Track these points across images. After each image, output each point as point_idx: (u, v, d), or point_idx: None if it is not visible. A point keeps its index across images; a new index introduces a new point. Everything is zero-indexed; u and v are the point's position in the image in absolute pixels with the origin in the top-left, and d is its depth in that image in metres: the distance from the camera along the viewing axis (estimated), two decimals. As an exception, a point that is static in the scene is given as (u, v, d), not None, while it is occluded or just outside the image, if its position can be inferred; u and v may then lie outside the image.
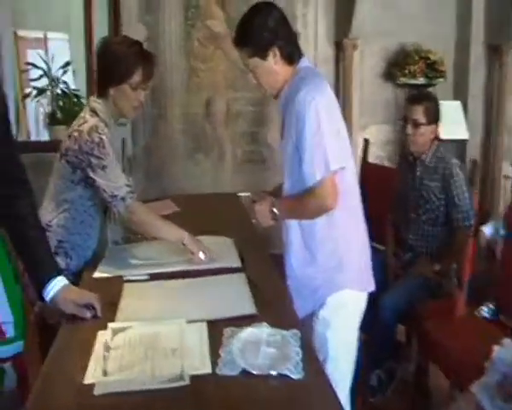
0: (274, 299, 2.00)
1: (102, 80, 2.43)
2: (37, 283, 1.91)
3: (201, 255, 2.34)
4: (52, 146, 2.62)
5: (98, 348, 1.67)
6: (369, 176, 3.71)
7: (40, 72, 5.53)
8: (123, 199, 2.29)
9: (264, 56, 2.14)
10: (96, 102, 2.43)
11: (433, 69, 4.87)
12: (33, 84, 5.67)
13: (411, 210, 3.21)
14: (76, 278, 2.38)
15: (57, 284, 1.89)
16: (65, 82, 5.68)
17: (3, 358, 1.73)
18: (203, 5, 4.73)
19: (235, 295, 2.01)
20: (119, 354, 1.64)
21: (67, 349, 1.73)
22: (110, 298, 2.03)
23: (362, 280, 2.26)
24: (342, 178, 2.12)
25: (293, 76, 2.18)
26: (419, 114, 3.06)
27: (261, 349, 1.59)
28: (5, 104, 1.86)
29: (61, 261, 2.38)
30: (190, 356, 1.60)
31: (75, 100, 5.74)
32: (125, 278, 2.21)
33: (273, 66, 2.15)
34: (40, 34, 6.31)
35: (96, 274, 2.29)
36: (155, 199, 3.55)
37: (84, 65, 5.04)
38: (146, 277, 2.23)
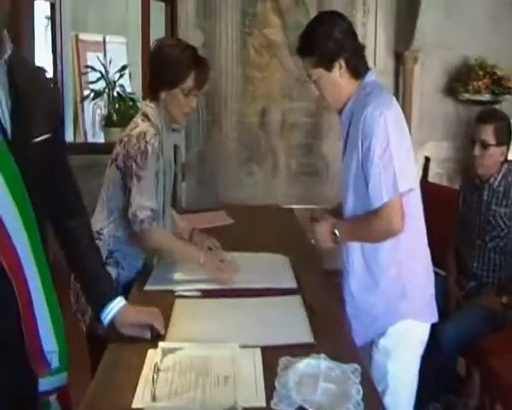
0: (332, 326, 1.89)
1: (154, 84, 2.35)
2: (95, 305, 1.84)
3: (221, 275, 2.25)
4: (107, 148, 2.60)
5: (147, 368, 1.60)
6: (430, 196, 3.53)
7: (98, 74, 5.58)
8: (141, 222, 2.21)
9: (329, 68, 2.04)
10: (149, 107, 2.35)
11: (499, 85, 4.68)
12: (91, 86, 5.73)
13: (476, 236, 3.02)
14: (126, 289, 2.33)
15: (116, 306, 1.79)
16: (121, 85, 5.72)
17: (49, 390, 1.64)
18: (260, 13, 4.68)
19: (291, 321, 1.90)
20: (169, 377, 1.57)
21: (115, 368, 1.65)
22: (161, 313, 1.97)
23: (426, 310, 2.14)
24: (408, 199, 2.01)
25: (358, 90, 2.07)
26: (488, 134, 2.87)
27: (319, 385, 1.49)
28: (62, 127, 1.80)
29: (111, 271, 2.29)
30: (243, 386, 1.51)
31: (130, 103, 5.77)
32: (176, 294, 2.14)
33: (338, 78, 2.05)
34: (100, 38, 6.38)
35: (147, 287, 2.23)
36: (208, 209, 3.49)
37: (140, 68, 5.04)
38: (197, 293, 2.15)
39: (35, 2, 5.02)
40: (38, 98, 1.54)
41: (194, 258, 2.28)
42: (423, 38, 4.63)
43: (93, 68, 5.55)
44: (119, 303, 1.80)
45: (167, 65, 2.28)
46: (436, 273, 3.32)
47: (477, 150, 2.90)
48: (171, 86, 2.29)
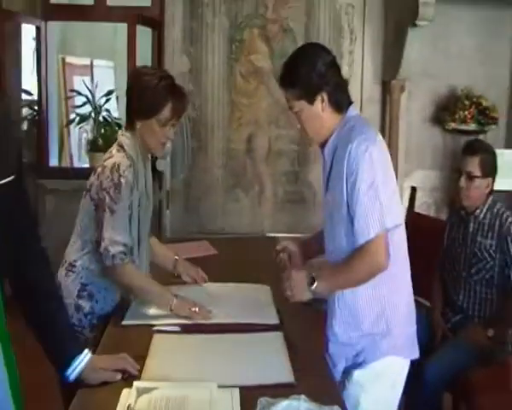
0: (313, 365, 1.83)
1: (130, 113, 2.29)
2: (56, 363, 1.68)
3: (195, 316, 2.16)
4: (91, 173, 2.52)
5: (120, 410, 1.53)
6: (416, 227, 3.52)
7: (84, 99, 5.55)
8: (113, 257, 2.14)
9: (311, 101, 1.99)
10: (124, 136, 2.29)
11: (485, 115, 4.68)
12: (77, 110, 5.70)
13: (462, 269, 2.97)
14: (102, 322, 2.28)
15: (82, 362, 1.67)
16: (107, 110, 5.69)
17: None
18: (247, 39, 4.66)
19: (271, 359, 1.84)
20: (143, 419, 1.50)
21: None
22: (138, 350, 1.89)
23: (407, 346, 2.09)
24: (393, 234, 1.96)
25: (341, 125, 2.02)
26: (474, 166, 2.84)
27: (299, 429, 1.43)
28: (19, 144, 1.66)
29: (84, 305, 2.28)
30: (220, 430, 1.45)
31: (116, 128, 5.73)
32: (154, 328, 2.08)
33: (320, 111, 2.00)
34: (87, 61, 6.35)
35: (125, 321, 2.15)
36: (191, 239, 3.43)
37: (127, 94, 5.00)
38: (177, 328, 2.08)
39: (22, 26, 5.01)
40: (3, 138, 1.45)
41: (165, 302, 2.19)
42: (410, 67, 4.63)
43: (78, 93, 5.52)
44: (85, 358, 1.68)
45: (143, 94, 2.22)
46: (421, 304, 3.30)
47: (463, 182, 2.87)
48: (147, 116, 2.23)
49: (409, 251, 3.46)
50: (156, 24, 4.68)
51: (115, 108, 6.20)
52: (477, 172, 2.84)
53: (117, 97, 5.91)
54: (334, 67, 2.03)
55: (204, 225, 4.85)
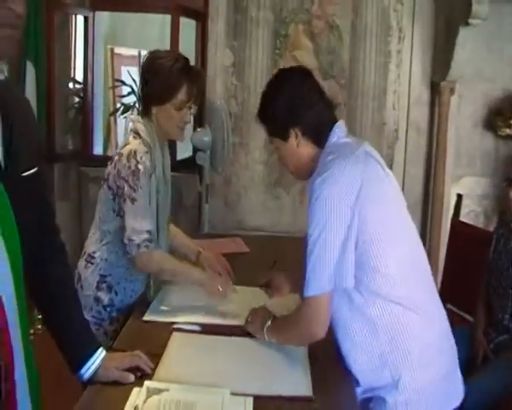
0: (335, 381, 1.71)
1: (145, 98, 2.25)
2: (70, 361, 1.61)
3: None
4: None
5: (127, 412, 1.47)
6: (460, 236, 3.37)
7: (129, 89, 5.55)
8: (138, 246, 2.10)
9: (284, 138, 1.83)
10: (140, 123, 2.24)
11: (541, 122, 4.46)
12: (122, 100, 5.71)
13: (510, 286, 2.77)
14: (122, 314, 2.26)
15: (96, 361, 1.61)
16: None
17: None
18: (292, 35, 4.54)
19: (291, 369, 1.74)
20: (150, 423, 1.44)
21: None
22: (155, 347, 1.84)
23: (432, 403, 1.72)
24: (388, 264, 1.69)
25: (322, 156, 1.78)
26: None
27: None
28: (40, 136, 1.57)
29: (104, 297, 2.26)
30: (227, 442, 1.37)
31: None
32: (174, 326, 2.01)
33: (295, 147, 1.83)
34: (135, 52, 6.38)
35: (146, 317, 2.11)
36: (226, 235, 3.37)
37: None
38: (197, 328, 2.01)
39: (74, 16, 5.05)
40: (28, 128, 1.41)
41: (199, 278, 2.17)
42: (461, 68, 4.44)
43: (123, 83, 5.53)
44: (99, 356, 1.63)
45: (157, 78, 2.17)
46: (463, 318, 3.14)
47: None
48: (163, 100, 2.18)
49: (451, 262, 3.31)
50: (200, 16, 4.62)
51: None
52: None
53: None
54: (310, 92, 1.82)
55: (243, 222, 4.77)
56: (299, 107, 1.80)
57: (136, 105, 5.56)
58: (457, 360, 1.85)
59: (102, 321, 2.27)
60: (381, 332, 1.69)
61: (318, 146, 1.82)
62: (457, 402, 1.79)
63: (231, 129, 4.26)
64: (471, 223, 4.29)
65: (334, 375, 1.73)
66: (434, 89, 4.59)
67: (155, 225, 2.22)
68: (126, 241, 2.11)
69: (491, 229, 4.28)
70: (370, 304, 1.69)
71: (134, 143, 2.18)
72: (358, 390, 1.75)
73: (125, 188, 2.11)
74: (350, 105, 4.55)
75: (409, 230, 1.83)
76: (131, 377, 1.63)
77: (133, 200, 2.11)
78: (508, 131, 4.56)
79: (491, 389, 2.54)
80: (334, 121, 1.84)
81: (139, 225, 2.10)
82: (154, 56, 2.24)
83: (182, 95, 2.17)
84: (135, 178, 2.11)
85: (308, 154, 1.83)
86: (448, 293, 2.54)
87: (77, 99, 5.36)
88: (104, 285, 2.26)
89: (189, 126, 4.74)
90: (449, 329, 1.83)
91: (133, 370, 1.66)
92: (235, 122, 4.50)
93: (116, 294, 2.28)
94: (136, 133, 2.22)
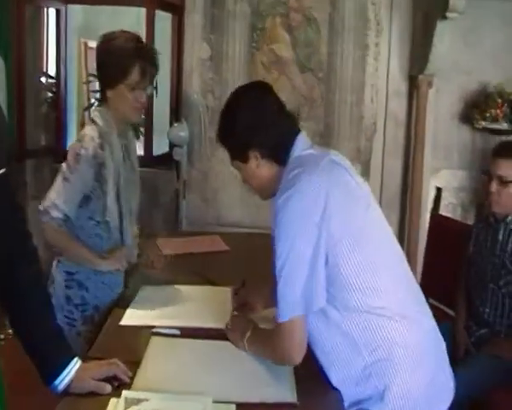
0: (320, 387, 1.65)
1: (101, 83, 2.24)
2: (43, 372, 1.53)
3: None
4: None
5: (104, 425, 1.41)
6: (440, 230, 3.36)
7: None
8: (52, 219, 2.11)
9: (243, 160, 1.75)
10: (96, 110, 2.24)
11: (518, 114, 4.46)
12: (97, 95, 5.60)
13: (489, 280, 2.75)
14: (97, 313, 2.24)
15: (71, 372, 1.53)
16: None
17: None
18: (269, 28, 4.49)
19: (274, 375, 1.68)
20: (129, 435, 1.38)
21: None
22: (133, 354, 1.78)
23: (419, 408, 1.65)
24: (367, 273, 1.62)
25: (286, 174, 1.69)
26: (507, 169, 2.61)
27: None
28: (7, 137, 1.49)
29: (74, 295, 2.23)
30: (210, 454, 1.32)
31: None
32: (153, 330, 1.95)
33: (255, 169, 1.75)
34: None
35: (123, 321, 2.03)
36: (205, 232, 3.32)
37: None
38: (176, 331, 1.95)
39: (49, 10, 4.93)
40: None
41: (89, 258, 2.18)
42: (439, 61, 4.42)
43: (95, 76, 5.42)
44: (74, 367, 1.55)
45: (110, 59, 2.14)
46: (444, 313, 3.12)
47: (494, 186, 2.64)
48: (116, 81, 2.14)
49: (431, 256, 3.28)
50: (176, 9, 4.55)
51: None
52: (510, 177, 2.62)
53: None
54: (269, 112, 1.74)
55: (221, 218, 4.72)
56: (257, 130, 1.72)
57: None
58: (446, 356, 1.79)
59: (74, 321, 2.23)
60: (362, 346, 1.62)
61: (280, 164, 1.74)
62: (446, 405, 1.73)
63: (208, 123, 4.20)
64: (449, 215, 4.29)
65: (319, 381, 1.67)
66: (412, 82, 4.58)
67: (117, 213, 2.23)
68: (41, 208, 2.12)
69: (469, 221, 4.31)
70: (347, 319, 1.62)
71: (87, 129, 2.19)
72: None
73: (64, 166, 2.13)
74: (328, 99, 4.52)
75: (383, 233, 1.76)
76: (108, 388, 1.55)
77: (66, 179, 2.12)
78: (484, 123, 4.56)
79: (473, 383, 2.51)
80: (297, 134, 1.76)
81: (61, 204, 2.11)
82: (106, 38, 2.20)
83: (135, 75, 2.14)
84: (75, 161, 2.11)
85: (270, 174, 1.76)
86: (428, 287, 2.50)
87: (49, 94, 5.25)
88: (73, 283, 2.24)
89: (166, 121, 4.71)
90: (434, 326, 1.78)
91: (110, 379, 1.58)
92: (213, 116, 4.44)
93: (87, 290, 2.24)
94: (92, 121, 2.20)
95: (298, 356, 1.61)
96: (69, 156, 2.14)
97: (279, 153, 1.73)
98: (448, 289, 3.05)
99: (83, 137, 2.15)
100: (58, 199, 2.11)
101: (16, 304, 1.51)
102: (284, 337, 1.60)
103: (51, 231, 2.13)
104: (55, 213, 2.10)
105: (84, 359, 1.65)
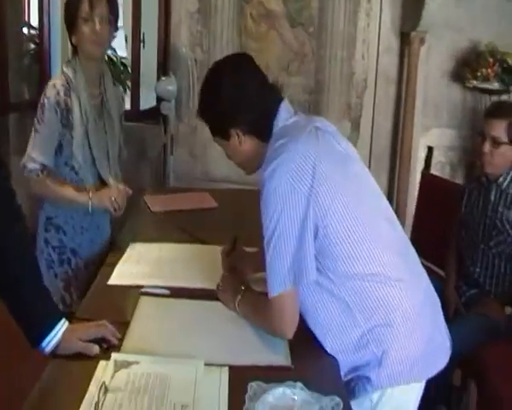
0: (315, 349, 1.62)
1: (67, 31, 2.32)
2: (30, 334, 1.50)
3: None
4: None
5: (94, 388, 1.37)
6: (431, 189, 3.33)
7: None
8: (29, 171, 2.24)
9: (225, 137, 1.70)
10: (66, 62, 2.34)
11: (509, 74, 4.39)
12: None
13: (480, 240, 2.75)
14: (74, 256, 2.38)
15: (58, 334, 1.49)
16: (113, 48, 5.44)
17: None
18: (259, -20, 4.36)
19: (268, 337, 1.63)
20: (119, 399, 1.34)
21: (55, 387, 1.43)
22: (122, 315, 1.74)
23: (417, 369, 1.64)
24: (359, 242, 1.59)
25: (270, 148, 1.65)
26: (500, 130, 2.59)
27: (292, 423, 1.27)
28: None
29: (51, 238, 2.35)
30: (203, 419, 1.29)
31: (121, 68, 5.52)
32: (142, 290, 1.91)
33: (238, 146, 1.70)
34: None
35: (111, 281, 1.98)
36: (193, 189, 3.26)
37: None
38: (166, 291, 1.91)
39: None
40: None
41: (83, 201, 2.27)
42: (431, 18, 4.33)
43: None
44: (61, 328, 1.51)
45: (65, 4, 2.28)
46: (433, 271, 3.11)
47: (487, 147, 2.61)
48: (73, 20, 2.24)
49: (422, 215, 3.27)
50: (164, -40, 4.40)
51: (123, 47, 5.96)
52: (503, 138, 2.59)
53: (125, 36, 5.66)
54: (249, 87, 1.67)
55: (209, 173, 4.65)
56: (237, 107, 1.66)
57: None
58: (442, 315, 1.78)
59: (52, 263, 2.36)
60: (357, 313, 1.59)
61: (263, 140, 1.69)
62: (443, 363, 1.72)
63: (197, 77, 4.09)
64: (437, 174, 4.27)
65: (313, 345, 1.63)
66: (404, 39, 4.48)
67: (90, 158, 2.32)
68: (21, 166, 2.25)
69: (457, 180, 4.30)
70: (341, 287, 1.59)
71: (52, 79, 2.31)
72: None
73: (35, 120, 2.25)
74: (318, 54, 4.42)
75: (373, 198, 1.72)
76: (96, 349, 1.52)
77: (36, 131, 2.24)
78: (475, 82, 4.48)
79: (462, 341, 2.51)
80: (280, 103, 1.70)
81: (36, 155, 2.23)
82: None
83: (85, 5, 2.21)
84: (40, 111, 2.23)
85: (253, 149, 1.70)
86: (419, 247, 2.48)
87: (32, 45, 5.10)
88: (51, 227, 2.36)
89: (153, 75, 4.60)
90: (429, 285, 1.76)
91: (98, 341, 1.55)
92: (201, 70, 4.32)
93: (65, 234, 2.37)
94: (62, 71, 2.31)
95: (290, 331, 1.58)
96: (37, 109, 2.24)
97: (262, 128, 1.69)
98: (438, 248, 3.04)
99: (46, 87, 2.26)
100: (33, 151, 2.24)
101: (1, 264, 1.46)
102: (275, 313, 1.57)
103: (34, 183, 2.26)
104: (32, 165, 2.23)
105: (72, 320, 1.61)
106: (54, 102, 2.21)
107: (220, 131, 1.71)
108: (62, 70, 2.30)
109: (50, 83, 2.26)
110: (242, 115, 1.67)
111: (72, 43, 2.30)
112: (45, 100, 2.21)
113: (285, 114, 1.69)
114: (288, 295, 1.55)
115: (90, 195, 2.26)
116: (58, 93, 2.22)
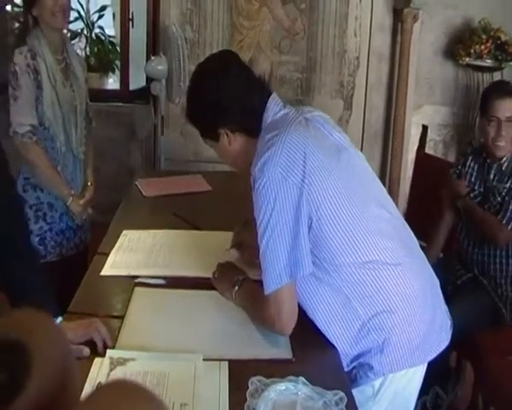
0: (317, 342, 1.58)
1: (25, 5, 2.52)
2: None
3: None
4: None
5: (89, 388, 1.32)
6: (426, 169, 3.30)
7: (75, 14, 5.20)
8: (22, 136, 2.39)
9: (214, 138, 1.68)
10: (27, 32, 2.47)
11: (503, 50, 4.34)
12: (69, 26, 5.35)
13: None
14: (51, 209, 2.57)
15: None
16: (101, 27, 5.35)
17: None
18: (250, -45, 4.27)
19: (268, 329, 1.58)
20: (116, 397, 1.31)
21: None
22: (116, 307, 1.70)
23: (418, 353, 1.62)
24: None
25: (261, 137, 1.63)
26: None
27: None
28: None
29: (30, 197, 2.51)
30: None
31: (110, 47, 5.42)
32: (136, 281, 1.86)
33: (227, 146, 1.67)
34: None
35: (104, 272, 1.91)
36: (185, 172, 3.20)
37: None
38: (161, 281, 1.87)
39: None
40: None
41: (63, 196, 2.54)
42: (424, -5, 4.28)
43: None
44: None
45: None
46: (424, 248, 3.09)
47: (501, 129, 2.53)
48: None
49: (416, 195, 3.25)
50: None
51: (111, 26, 5.84)
52: None
53: (113, 14, 5.55)
54: (235, 86, 1.65)
55: (200, 153, 4.57)
56: (222, 108, 1.64)
57: (84, 31, 5.22)
58: (441, 295, 1.76)
59: (28, 221, 2.43)
60: (356, 303, 1.56)
61: (253, 136, 1.66)
62: (444, 344, 1.70)
63: (187, 57, 4.01)
64: (430, 152, 4.23)
65: (314, 336, 1.59)
66: (397, 16, 4.42)
67: (60, 118, 2.50)
68: (12, 134, 2.39)
69: (450, 158, 4.26)
70: (338, 277, 1.56)
71: (19, 49, 2.42)
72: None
73: (10, 89, 2.39)
74: (310, 31, 4.35)
75: (367, 183, 1.70)
76: (86, 351, 1.46)
77: (14, 98, 2.39)
78: (468, 59, 4.43)
79: (459, 324, 2.51)
80: (267, 99, 1.67)
81: (23, 119, 2.39)
82: None
83: None
84: (14, 78, 2.37)
85: (244, 147, 1.67)
86: (413, 226, 2.46)
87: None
88: (29, 186, 2.52)
89: (142, 54, 4.51)
90: (428, 266, 1.74)
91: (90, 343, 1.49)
92: (192, 49, 4.25)
93: (42, 191, 2.54)
94: (25, 41, 2.45)
95: (288, 327, 1.55)
96: (9, 78, 2.38)
97: (250, 125, 1.66)
98: (431, 227, 3.02)
99: (13, 55, 2.39)
100: (18, 116, 2.40)
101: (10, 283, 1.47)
102: (272, 309, 1.53)
103: (29, 148, 2.43)
104: (23, 129, 2.39)
105: (64, 314, 1.57)
106: (24, 66, 2.37)
107: (209, 133, 1.70)
108: (25, 40, 2.43)
109: (16, 50, 2.40)
110: (229, 115, 1.65)
111: (32, 15, 2.43)
112: (16, 67, 2.36)
113: (274, 109, 1.67)
114: (284, 290, 1.51)
115: (73, 192, 2.57)
116: (26, 57, 2.38)
